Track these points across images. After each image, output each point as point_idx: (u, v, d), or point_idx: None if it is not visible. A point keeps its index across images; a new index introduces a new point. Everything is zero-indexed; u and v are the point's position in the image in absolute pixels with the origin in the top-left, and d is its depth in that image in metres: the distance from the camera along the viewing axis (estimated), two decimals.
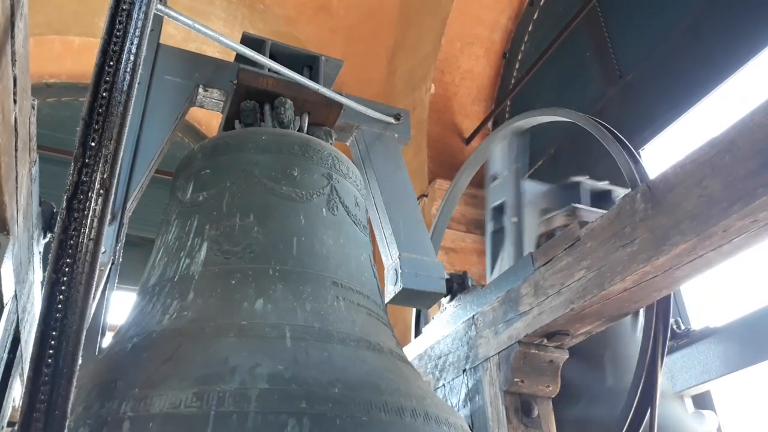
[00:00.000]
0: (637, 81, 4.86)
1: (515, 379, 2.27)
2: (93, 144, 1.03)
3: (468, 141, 6.67)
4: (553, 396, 2.36)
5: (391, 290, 2.60)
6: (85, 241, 1.01)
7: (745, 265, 3.40)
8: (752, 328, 3.02)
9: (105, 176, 1.03)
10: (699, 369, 3.20)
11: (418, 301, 2.72)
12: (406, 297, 2.60)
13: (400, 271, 2.58)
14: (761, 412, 3.49)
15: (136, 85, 1.09)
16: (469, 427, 2.27)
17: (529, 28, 6.55)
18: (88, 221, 1.02)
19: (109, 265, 2.12)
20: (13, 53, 1.20)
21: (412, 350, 3.01)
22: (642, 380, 2.25)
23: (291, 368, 1.52)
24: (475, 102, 6.85)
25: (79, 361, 1.00)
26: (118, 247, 2.17)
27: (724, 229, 1.68)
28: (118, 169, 1.06)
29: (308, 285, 1.87)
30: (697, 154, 1.78)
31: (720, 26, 4.15)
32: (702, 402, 3.33)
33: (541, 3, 6.41)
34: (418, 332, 3.29)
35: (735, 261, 1.87)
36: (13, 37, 1.17)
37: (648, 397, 2.22)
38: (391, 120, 3.15)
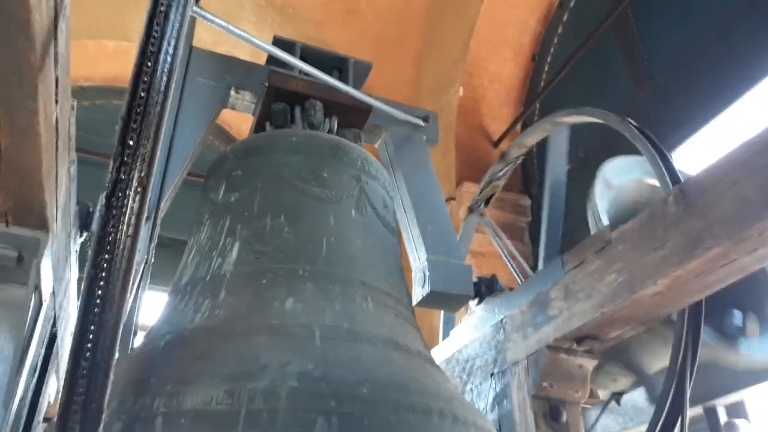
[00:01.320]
0: (667, 83, 4.78)
1: (544, 384, 2.25)
2: (131, 143, 1.05)
3: (496, 144, 6.63)
4: (582, 401, 2.34)
5: (418, 292, 2.59)
6: (122, 237, 1.03)
7: None
8: None
9: (143, 174, 1.05)
10: (732, 378, 3.14)
11: (446, 303, 2.71)
12: (433, 299, 2.59)
13: (427, 273, 2.57)
14: None
15: (173, 85, 1.11)
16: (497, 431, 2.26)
17: (559, 30, 6.48)
18: (126, 218, 1.04)
19: (143, 264, 2.16)
20: (56, 54, 1.24)
21: (439, 354, 3.00)
22: (672, 389, 2.21)
23: (320, 367, 1.53)
24: (503, 104, 6.81)
25: (116, 355, 1.02)
26: (151, 247, 2.21)
27: (760, 232, 1.64)
28: (155, 167, 1.08)
29: (337, 285, 1.88)
30: (732, 156, 1.75)
31: (752, 28, 4.06)
32: (735, 411, 3.27)
33: (571, 5, 6.35)
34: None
35: None
36: (56, 39, 1.21)
37: (678, 407, 2.18)
38: (420, 122, 3.15)
